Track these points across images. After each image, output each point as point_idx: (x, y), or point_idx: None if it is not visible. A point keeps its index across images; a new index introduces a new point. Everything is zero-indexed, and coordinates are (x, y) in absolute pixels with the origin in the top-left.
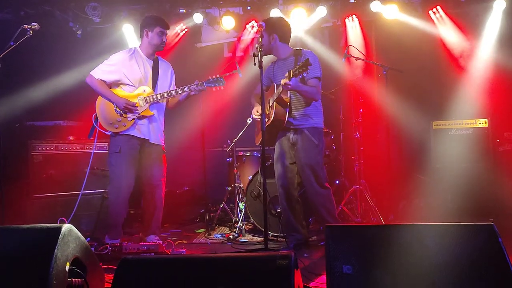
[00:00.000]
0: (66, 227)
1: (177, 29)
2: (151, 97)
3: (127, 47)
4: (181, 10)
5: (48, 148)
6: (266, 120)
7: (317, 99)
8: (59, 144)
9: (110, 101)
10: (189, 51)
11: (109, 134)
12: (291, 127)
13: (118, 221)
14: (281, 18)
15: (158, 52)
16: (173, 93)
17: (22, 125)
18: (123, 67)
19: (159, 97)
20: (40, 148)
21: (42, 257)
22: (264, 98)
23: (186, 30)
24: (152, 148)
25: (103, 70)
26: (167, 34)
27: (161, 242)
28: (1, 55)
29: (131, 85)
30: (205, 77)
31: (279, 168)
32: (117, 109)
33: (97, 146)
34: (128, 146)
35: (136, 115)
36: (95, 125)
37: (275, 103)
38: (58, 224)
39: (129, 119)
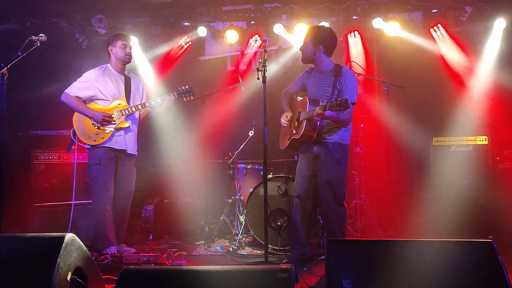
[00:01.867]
0: (69, 236)
1: (181, 42)
2: (126, 110)
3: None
4: (185, 23)
5: (50, 157)
6: (294, 131)
7: (347, 125)
8: (61, 153)
9: (86, 116)
10: (193, 64)
11: (87, 147)
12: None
13: (105, 230)
14: (329, 29)
15: (165, 66)
16: (147, 104)
17: (26, 134)
18: (97, 82)
19: (134, 109)
20: (42, 157)
21: (45, 266)
22: (264, 108)
23: (190, 43)
24: (126, 159)
25: (77, 87)
26: (131, 46)
27: (134, 250)
28: (9, 65)
29: (106, 100)
30: (209, 90)
31: (299, 178)
32: (95, 122)
33: None
34: (107, 157)
35: (114, 126)
36: (73, 139)
37: (306, 122)
38: (61, 233)
39: (106, 131)
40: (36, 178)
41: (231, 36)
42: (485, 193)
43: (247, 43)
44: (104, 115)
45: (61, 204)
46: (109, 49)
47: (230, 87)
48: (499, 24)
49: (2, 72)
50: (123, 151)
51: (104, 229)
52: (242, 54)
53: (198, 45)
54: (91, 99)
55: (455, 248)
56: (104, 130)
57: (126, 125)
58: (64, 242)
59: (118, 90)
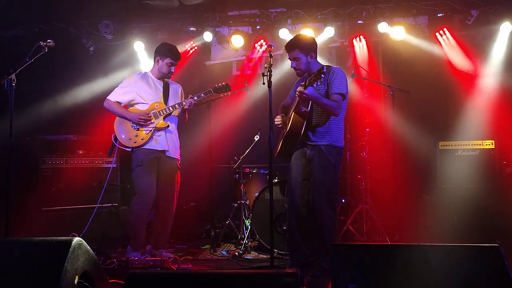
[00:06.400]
0: (76, 240)
1: (187, 47)
2: (163, 110)
3: (137, 63)
4: (191, 28)
5: (57, 162)
6: (284, 130)
7: (336, 114)
8: (68, 158)
9: (125, 118)
10: (199, 69)
11: (129, 151)
12: (309, 142)
13: (140, 232)
14: (310, 36)
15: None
16: (184, 103)
17: (33, 138)
18: (135, 86)
19: (171, 109)
20: (49, 162)
21: (52, 270)
22: (271, 115)
23: (195, 48)
24: (168, 163)
25: (118, 93)
26: (176, 64)
27: (172, 255)
28: (17, 71)
29: (144, 103)
30: (214, 95)
31: (292, 183)
32: (133, 124)
33: (105, 161)
34: (149, 159)
35: (152, 127)
36: (115, 143)
37: (293, 113)
38: (68, 237)
39: (145, 132)
40: (44, 183)
41: (237, 41)
42: (492, 197)
43: (253, 48)
44: (139, 115)
45: (68, 208)
46: (156, 59)
47: (236, 91)
48: (505, 27)
49: (11, 77)
50: (164, 152)
51: (138, 231)
52: (248, 58)
53: (204, 50)
54: (131, 104)
55: (461, 252)
56: (143, 131)
57: (165, 124)
58: (71, 246)
59: (157, 95)
